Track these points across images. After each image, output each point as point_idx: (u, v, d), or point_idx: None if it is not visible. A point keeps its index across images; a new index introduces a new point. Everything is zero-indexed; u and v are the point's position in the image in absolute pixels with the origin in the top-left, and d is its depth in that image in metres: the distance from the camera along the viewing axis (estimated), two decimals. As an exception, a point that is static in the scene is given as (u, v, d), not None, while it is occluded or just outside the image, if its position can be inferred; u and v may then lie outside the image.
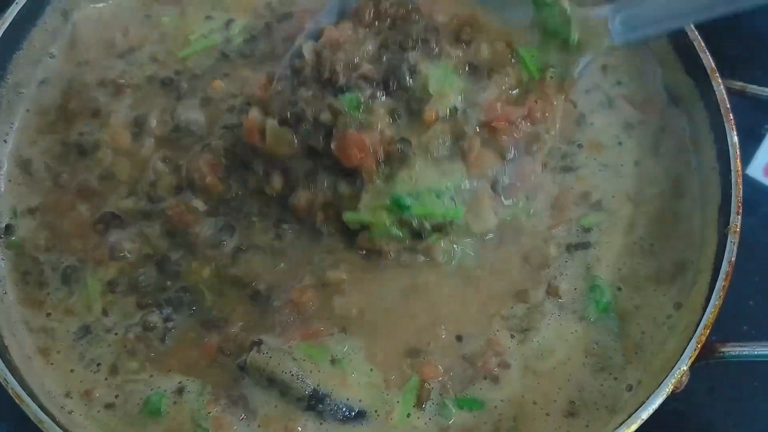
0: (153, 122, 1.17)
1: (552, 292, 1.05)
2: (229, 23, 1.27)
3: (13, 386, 0.93)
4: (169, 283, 1.05)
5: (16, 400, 0.92)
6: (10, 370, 0.95)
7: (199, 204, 1.09)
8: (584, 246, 1.09)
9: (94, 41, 1.26)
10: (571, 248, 1.09)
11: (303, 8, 1.27)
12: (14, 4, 1.18)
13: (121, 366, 1.00)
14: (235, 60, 1.24)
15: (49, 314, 1.05)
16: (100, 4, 1.29)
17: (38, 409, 0.92)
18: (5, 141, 1.17)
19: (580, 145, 1.16)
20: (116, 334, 1.02)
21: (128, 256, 1.07)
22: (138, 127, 1.17)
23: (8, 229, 1.10)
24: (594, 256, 1.08)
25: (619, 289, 1.06)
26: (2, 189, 1.14)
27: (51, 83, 1.22)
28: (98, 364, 1.01)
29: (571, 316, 1.04)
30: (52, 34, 1.24)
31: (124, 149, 1.15)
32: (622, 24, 1.00)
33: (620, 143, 1.17)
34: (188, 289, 1.05)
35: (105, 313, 1.04)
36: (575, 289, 1.06)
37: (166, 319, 1.03)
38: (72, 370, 1.01)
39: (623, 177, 1.14)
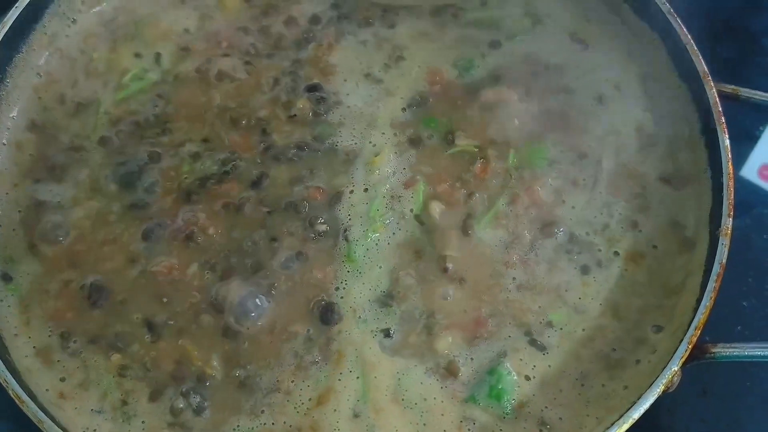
0: None
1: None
2: (158, 58, 1.26)
3: (14, 387, 0.94)
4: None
5: (17, 401, 0.93)
6: (10, 371, 0.95)
7: None
8: None
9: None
10: None
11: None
12: (14, 8, 1.18)
13: None
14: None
15: (63, 379, 1.01)
16: (97, 8, 1.30)
17: (38, 410, 0.92)
18: (4, 144, 1.18)
19: None
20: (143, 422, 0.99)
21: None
22: None
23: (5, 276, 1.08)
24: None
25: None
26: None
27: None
28: None
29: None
30: (51, 37, 1.25)
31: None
32: None
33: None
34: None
35: (124, 401, 1.00)
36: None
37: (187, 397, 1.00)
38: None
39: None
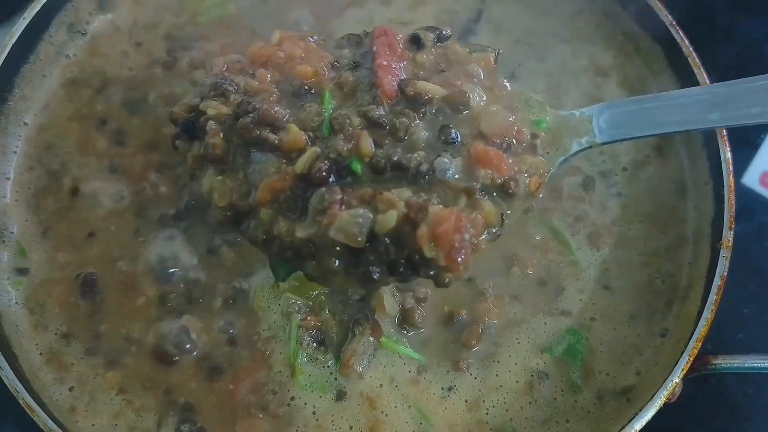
0: None
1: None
2: None
3: (24, 396, 0.95)
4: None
5: (27, 411, 0.94)
6: (20, 381, 0.97)
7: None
8: None
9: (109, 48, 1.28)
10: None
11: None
12: (21, 19, 1.19)
13: None
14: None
15: (71, 389, 1.04)
16: (110, 15, 1.31)
17: (48, 419, 0.94)
18: (15, 152, 1.19)
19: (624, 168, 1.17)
20: None
21: None
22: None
23: (21, 271, 1.11)
24: None
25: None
26: (8, 201, 1.15)
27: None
28: None
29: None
30: (58, 47, 1.26)
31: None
32: (607, 123, 0.97)
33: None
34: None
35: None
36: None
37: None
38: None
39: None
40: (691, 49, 1.14)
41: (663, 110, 0.94)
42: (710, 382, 1.09)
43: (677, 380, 0.94)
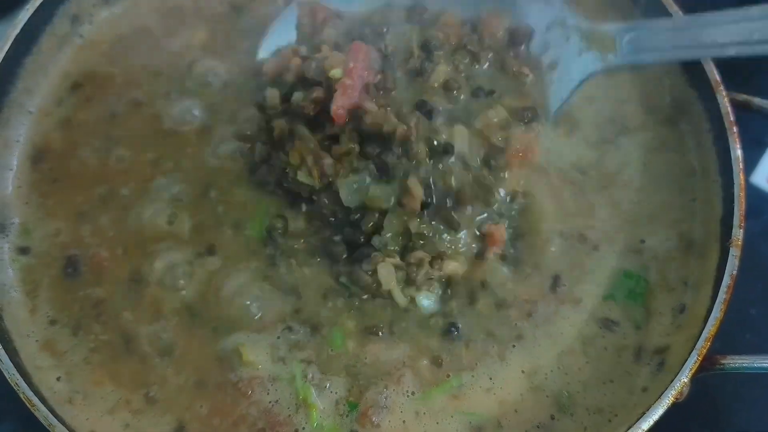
0: None
1: None
2: None
3: (24, 391, 0.95)
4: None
5: (28, 405, 0.94)
6: (21, 375, 0.96)
7: None
8: None
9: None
10: None
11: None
12: (24, 10, 1.19)
13: None
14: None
15: (59, 378, 1.03)
16: (117, 10, 1.30)
17: (49, 413, 0.93)
18: (17, 141, 1.19)
19: None
20: None
21: None
22: None
23: (23, 249, 1.11)
24: None
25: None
26: (10, 191, 1.15)
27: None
28: None
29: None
30: (61, 39, 1.25)
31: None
32: (630, 44, 0.96)
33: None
34: None
35: None
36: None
37: None
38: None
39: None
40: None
41: (694, 31, 0.94)
42: (718, 382, 1.08)
43: (685, 380, 0.93)
